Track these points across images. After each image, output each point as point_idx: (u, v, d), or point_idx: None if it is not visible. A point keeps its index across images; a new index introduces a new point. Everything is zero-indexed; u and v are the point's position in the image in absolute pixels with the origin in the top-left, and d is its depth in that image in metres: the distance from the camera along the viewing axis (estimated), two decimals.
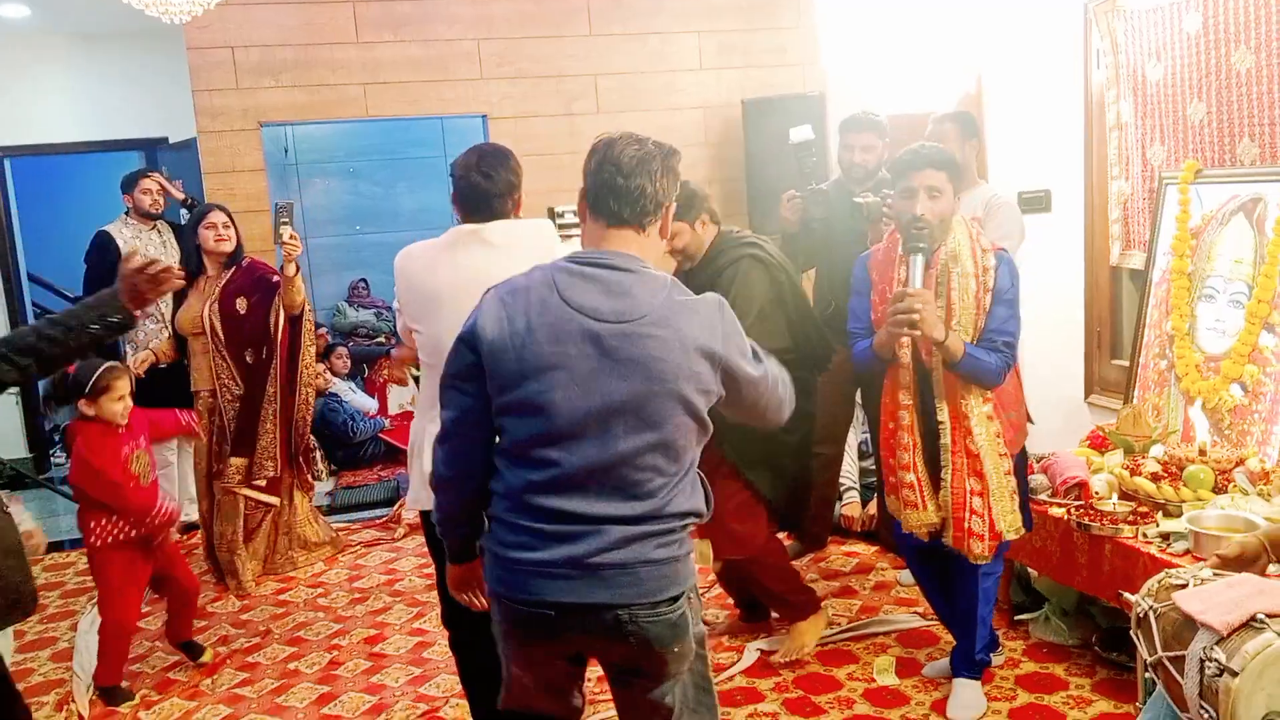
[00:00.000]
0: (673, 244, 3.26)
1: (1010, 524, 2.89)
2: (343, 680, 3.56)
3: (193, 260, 4.40)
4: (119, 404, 3.41)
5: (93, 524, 3.45)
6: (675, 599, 1.91)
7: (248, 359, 4.36)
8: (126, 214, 5.20)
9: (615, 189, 1.90)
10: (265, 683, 3.57)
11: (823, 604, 3.55)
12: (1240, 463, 3.12)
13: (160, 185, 5.25)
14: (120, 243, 5.02)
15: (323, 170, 8.50)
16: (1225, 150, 3.59)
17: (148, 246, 5.05)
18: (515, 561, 1.89)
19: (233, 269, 4.38)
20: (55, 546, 5.13)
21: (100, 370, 3.40)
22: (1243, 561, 2.28)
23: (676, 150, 1.98)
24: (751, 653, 3.48)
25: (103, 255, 4.99)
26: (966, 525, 2.85)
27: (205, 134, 5.61)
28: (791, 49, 6.27)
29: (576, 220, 7.09)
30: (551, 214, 6.07)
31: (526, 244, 2.65)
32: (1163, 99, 3.82)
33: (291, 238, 4.20)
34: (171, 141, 6.83)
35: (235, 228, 4.39)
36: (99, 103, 6.78)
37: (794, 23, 6.26)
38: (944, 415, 2.86)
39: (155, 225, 5.21)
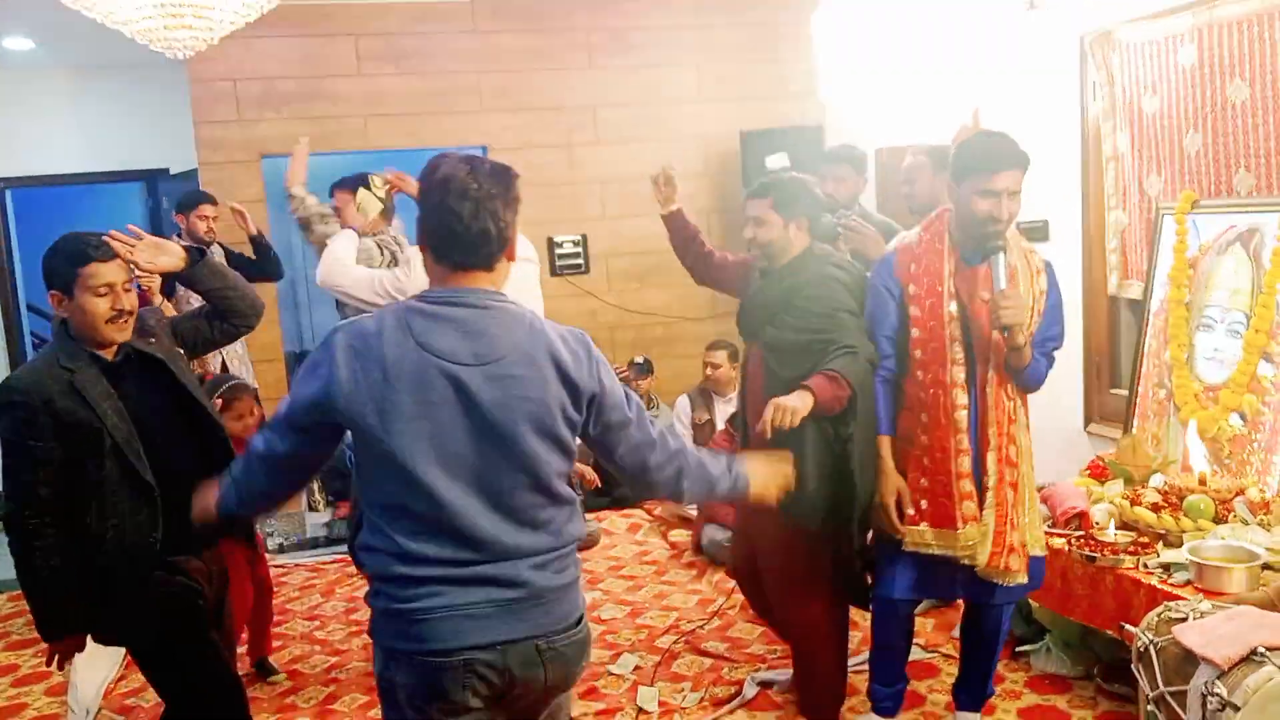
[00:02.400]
0: (756, 233, 3.03)
1: (1037, 539, 2.80)
2: (340, 715, 3.53)
3: None
4: (238, 424, 3.25)
5: None
6: (581, 619, 1.98)
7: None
8: (178, 235, 4.97)
9: (457, 238, 1.81)
10: (262, 718, 3.54)
11: None
12: (1240, 492, 3.12)
13: (213, 217, 4.97)
14: None
15: (324, 201, 8.52)
16: (1221, 181, 3.61)
17: None
18: (421, 611, 1.82)
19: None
20: None
21: (228, 385, 3.27)
22: None
23: (514, 172, 1.88)
24: (751, 687, 3.45)
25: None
26: (1007, 540, 2.71)
27: (206, 165, 5.65)
28: (790, 81, 6.32)
29: (576, 250, 7.01)
30: (551, 244, 6.10)
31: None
32: (1159, 130, 3.85)
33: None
34: (173, 173, 6.86)
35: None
36: (101, 134, 6.82)
37: (792, 55, 6.31)
38: (992, 418, 2.73)
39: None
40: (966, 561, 2.73)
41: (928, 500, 2.77)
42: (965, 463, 2.72)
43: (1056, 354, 2.85)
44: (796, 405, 2.68)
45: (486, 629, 1.83)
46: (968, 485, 2.72)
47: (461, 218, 1.79)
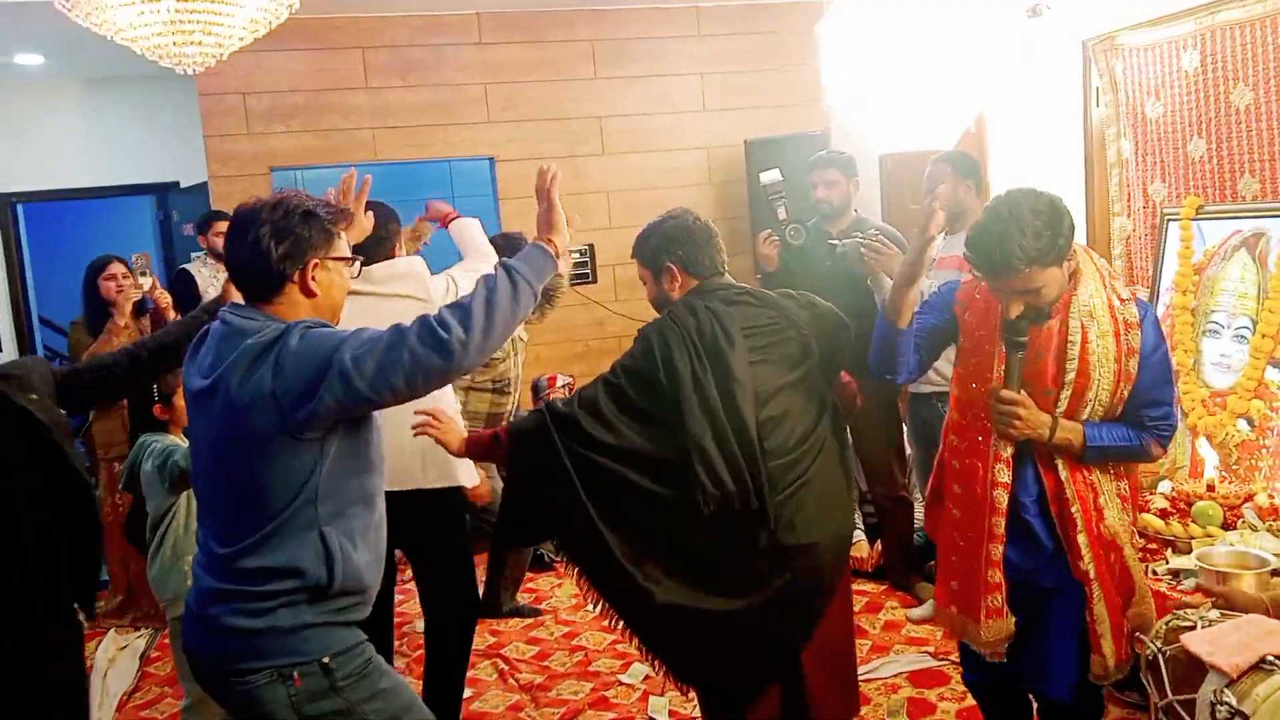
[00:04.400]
0: (647, 293, 2.75)
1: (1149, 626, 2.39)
2: None
3: (95, 313, 4.38)
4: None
5: None
6: (254, 671, 1.85)
7: None
8: (205, 254, 5.09)
9: (236, 273, 2.03)
10: None
11: None
12: (1249, 498, 3.12)
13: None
14: (199, 280, 4.95)
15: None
16: (1226, 186, 3.62)
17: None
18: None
19: (147, 314, 4.40)
20: None
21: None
22: None
23: (304, 210, 1.96)
24: None
25: (182, 288, 4.95)
26: (1126, 632, 2.35)
27: (216, 179, 5.68)
28: (794, 90, 6.33)
29: (583, 260, 7.03)
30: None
31: (406, 284, 2.98)
32: (1163, 136, 3.86)
33: (154, 285, 4.27)
34: (183, 186, 6.91)
35: (134, 276, 4.34)
36: (111, 148, 6.86)
37: (797, 64, 6.32)
38: (1071, 494, 2.29)
39: None
40: (991, 659, 2.40)
41: (958, 582, 2.42)
42: (997, 550, 2.32)
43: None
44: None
45: (186, 628, 1.99)
46: (996, 575, 2.33)
47: (239, 255, 1.98)
